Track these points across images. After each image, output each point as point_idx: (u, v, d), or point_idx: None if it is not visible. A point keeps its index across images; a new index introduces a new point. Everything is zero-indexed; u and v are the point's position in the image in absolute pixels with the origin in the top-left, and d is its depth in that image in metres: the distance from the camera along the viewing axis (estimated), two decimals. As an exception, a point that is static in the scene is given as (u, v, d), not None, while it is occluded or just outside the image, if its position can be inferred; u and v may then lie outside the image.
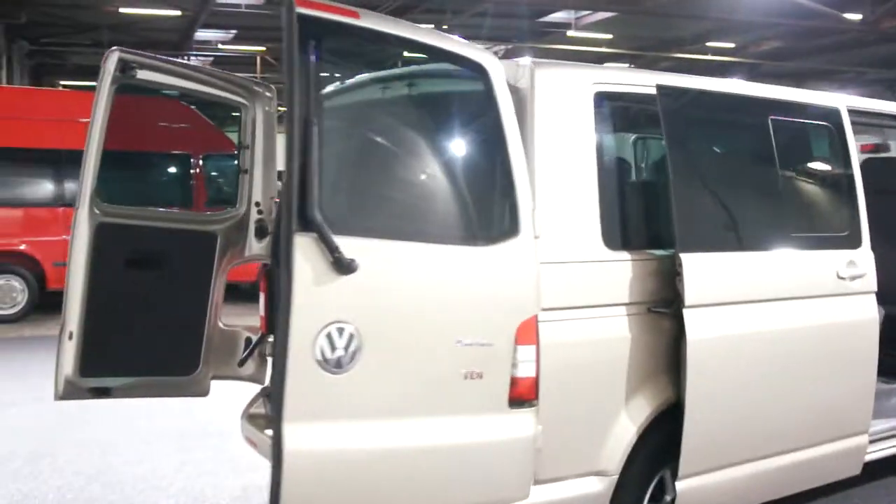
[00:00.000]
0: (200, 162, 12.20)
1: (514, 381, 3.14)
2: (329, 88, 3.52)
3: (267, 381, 4.37)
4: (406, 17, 20.93)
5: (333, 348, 2.80)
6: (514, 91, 3.39)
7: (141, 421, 6.25)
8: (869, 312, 4.28)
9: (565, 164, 3.43)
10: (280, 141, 3.71)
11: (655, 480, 3.71)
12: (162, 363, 4.57)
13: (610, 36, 23.47)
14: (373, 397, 2.91)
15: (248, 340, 4.61)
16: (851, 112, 4.40)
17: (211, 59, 25.38)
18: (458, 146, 3.43)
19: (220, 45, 24.44)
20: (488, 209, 3.23)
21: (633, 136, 3.88)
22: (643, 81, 3.67)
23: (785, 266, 3.97)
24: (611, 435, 3.50)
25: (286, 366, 2.72)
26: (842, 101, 4.40)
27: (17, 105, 11.86)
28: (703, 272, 3.59)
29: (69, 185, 10.35)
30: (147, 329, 4.44)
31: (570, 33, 22.59)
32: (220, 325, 4.67)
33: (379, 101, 3.87)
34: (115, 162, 11.33)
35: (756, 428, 3.87)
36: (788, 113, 4.16)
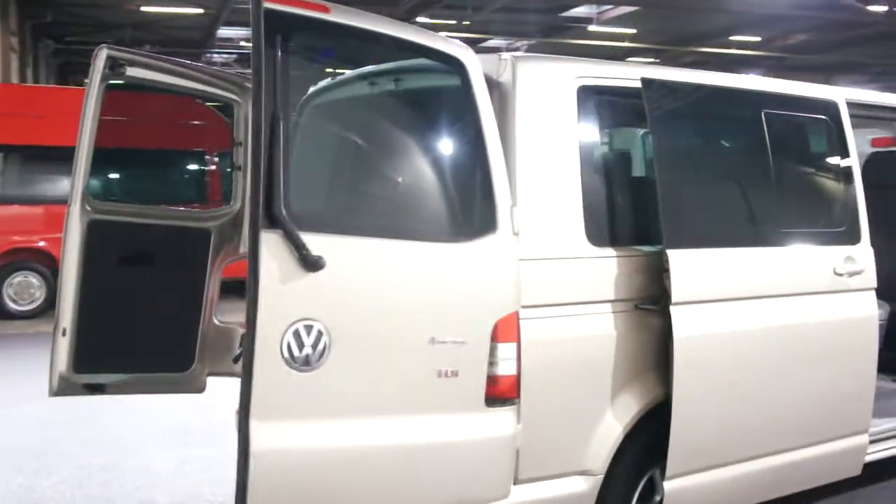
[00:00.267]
0: (216, 159, 12.25)
1: (494, 380, 3.10)
2: (299, 84, 3.50)
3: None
4: (427, 13, 21.02)
5: (301, 346, 2.78)
6: (497, 85, 3.36)
7: (144, 417, 6.28)
8: (868, 309, 4.19)
9: (548, 160, 3.38)
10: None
11: (644, 480, 3.65)
12: (156, 360, 4.58)
13: (633, 30, 23.32)
14: (343, 396, 2.88)
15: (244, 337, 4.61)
16: (851, 105, 4.31)
17: (234, 56, 25.55)
18: (433, 141, 3.39)
19: (242, 43, 24.59)
20: (463, 205, 3.19)
21: (618, 131, 3.81)
22: (628, 75, 3.61)
23: (777, 262, 3.89)
24: (596, 434, 3.45)
25: (253, 363, 2.70)
26: (840, 94, 4.31)
27: (38, 103, 11.99)
28: (690, 269, 3.54)
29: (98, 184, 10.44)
30: (141, 326, 4.46)
31: (592, 28, 22.47)
32: (216, 321, 4.67)
33: (352, 96, 3.83)
34: (135, 159, 11.38)
35: (748, 427, 3.80)
36: (783, 106, 4.08)
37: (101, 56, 4.13)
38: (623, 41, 23.76)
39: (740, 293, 3.72)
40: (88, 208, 4.27)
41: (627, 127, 3.81)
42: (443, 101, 3.44)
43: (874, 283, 4.22)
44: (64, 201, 4.27)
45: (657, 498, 3.67)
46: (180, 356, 4.64)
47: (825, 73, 25.02)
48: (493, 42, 25.63)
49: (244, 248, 4.75)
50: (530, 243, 3.27)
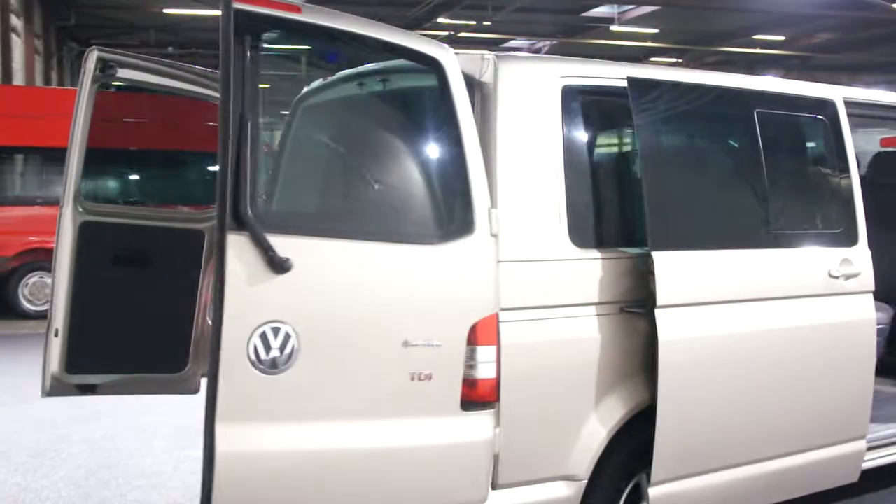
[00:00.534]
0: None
1: (472, 383, 3.07)
2: (271, 85, 3.48)
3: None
4: (447, 14, 20.98)
5: (268, 348, 2.75)
6: (479, 86, 3.32)
7: (143, 417, 6.30)
8: (865, 313, 4.10)
9: (530, 160, 3.34)
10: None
11: (630, 486, 3.60)
12: (149, 360, 4.61)
13: (655, 30, 23.17)
14: (312, 399, 2.86)
15: None
16: (849, 104, 4.23)
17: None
18: (409, 142, 3.34)
19: (264, 44, 24.69)
20: (438, 207, 3.14)
21: (604, 131, 3.76)
22: (614, 74, 3.56)
23: (768, 265, 3.82)
24: (579, 438, 3.40)
25: (218, 366, 2.69)
26: (838, 92, 4.22)
27: (57, 105, 12.09)
28: (677, 271, 3.48)
29: (103, 184, 10.50)
30: (133, 326, 4.48)
31: (614, 28, 22.35)
32: (209, 322, 4.68)
33: (327, 97, 3.80)
34: (155, 160, 11.41)
35: (737, 432, 3.73)
36: (777, 105, 4.00)
37: (92, 58, 4.19)
38: (645, 41, 23.61)
39: (728, 296, 3.65)
40: (81, 209, 4.30)
41: (613, 127, 3.76)
42: (420, 102, 3.41)
43: (872, 286, 4.12)
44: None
45: (643, 504, 3.62)
46: (174, 357, 4.66)
47: (850, 73, 24.73)
48: (515, 42, 25.57)
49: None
50: (512, 245, 3.23)
